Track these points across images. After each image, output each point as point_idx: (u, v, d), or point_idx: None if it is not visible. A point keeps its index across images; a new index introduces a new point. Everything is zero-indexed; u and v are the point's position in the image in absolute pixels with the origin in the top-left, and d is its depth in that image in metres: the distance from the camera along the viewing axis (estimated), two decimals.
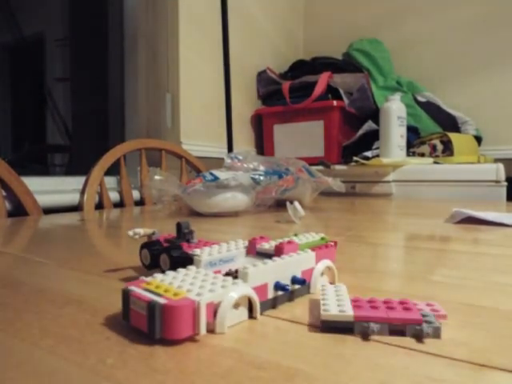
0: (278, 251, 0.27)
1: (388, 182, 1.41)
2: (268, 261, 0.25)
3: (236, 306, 0.21)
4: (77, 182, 1.08)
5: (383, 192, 1.41)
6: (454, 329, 0.21)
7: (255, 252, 0.30)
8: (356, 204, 1.04)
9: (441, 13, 1.87)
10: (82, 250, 0.43)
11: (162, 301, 0.19)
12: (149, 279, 0.22)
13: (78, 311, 0.24)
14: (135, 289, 0.21)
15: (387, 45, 1.86)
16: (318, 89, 1.65)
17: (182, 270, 0.24)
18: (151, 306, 0.19)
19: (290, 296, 0.26)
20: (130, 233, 0.32)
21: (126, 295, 0.20)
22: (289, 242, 0.28)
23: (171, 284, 0.21)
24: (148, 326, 0.19)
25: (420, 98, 1.66)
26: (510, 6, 1.73)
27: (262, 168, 0.84)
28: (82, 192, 1.00)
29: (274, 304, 0.24)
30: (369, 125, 1.63)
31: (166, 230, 0.57)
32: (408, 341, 0.20)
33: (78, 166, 1.84)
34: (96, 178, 1.03)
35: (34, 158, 2.35)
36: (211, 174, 0.78)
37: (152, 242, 0.30)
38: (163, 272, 0.27)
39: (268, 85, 1.84)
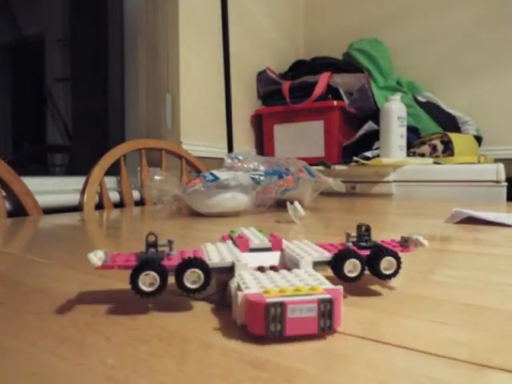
0: (276, 244, 0.29)
1: (388, 182, 1.41)
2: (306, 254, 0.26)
3: None
4: (77, 182, 1.08)
5: (383, 192, 1.41)
6: (454, 329, 0.21)
7: (248, 249, 0.29)
8: (356, 204, 1.04)
9: (441, 13, 1.87)
10: (82, 250, 0.43)
11: (326, 296, 0.20)
12: (259, 289, 0.21)
13: (78, 311, 0.24)
14: (282, 299, 0.19)
15: (387, 45, 1.86)
16: (318, 89, 1.65)
17: (256, 273, 0.24)
18: (324, 301, 0.19)
19: None
20: (93, 258, 0.23)
21: (283, 307, 0.19)
22: (271, 235, 0.30)
23: (287, 284, 0.21)
24: (321, 323, 0.20)
25: (420, 98, 1.66)
26: (510, 6, 1.73)
27: (262, 168, 0.84)
28: (82, 192, 1.00)
29: None
30: (369, 125, 1.63)
31: (164, 231, 0.57)
32: (408, 340, 0.20)
33: (78, 166, 1.84)
34: (96, 178, 1.03)
35: (34, 158, 2.35)
36: (211, 174, 0.78)
37: (144, 262, 0.23)
38: (188, 292, 0.23)
39: (268, 85, 1.84)
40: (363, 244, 0.27)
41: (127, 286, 0.29)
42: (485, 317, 0.23)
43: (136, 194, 1.17)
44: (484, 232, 0.54)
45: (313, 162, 1.38)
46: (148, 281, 0.22)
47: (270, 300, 0.19)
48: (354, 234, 0.28)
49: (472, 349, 0.19)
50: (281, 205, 0.82)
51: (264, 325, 0.19)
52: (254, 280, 0.22)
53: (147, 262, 0.23)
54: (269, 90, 1.83)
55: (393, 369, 0.17)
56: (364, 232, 0.27)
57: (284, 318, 0.19)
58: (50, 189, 1.09)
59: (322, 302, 0.19)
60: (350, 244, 0.28)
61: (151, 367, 0.17)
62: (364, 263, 0.25)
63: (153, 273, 0.22)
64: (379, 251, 0.26)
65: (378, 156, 1.49)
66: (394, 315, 0.23)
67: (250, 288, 0.21)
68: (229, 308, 0.23)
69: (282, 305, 0.19)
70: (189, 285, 0.23)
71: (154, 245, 0.25)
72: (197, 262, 0.23)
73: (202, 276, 0.23)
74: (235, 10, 1.61)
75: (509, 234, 0.53)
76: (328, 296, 0.20)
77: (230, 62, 1.41)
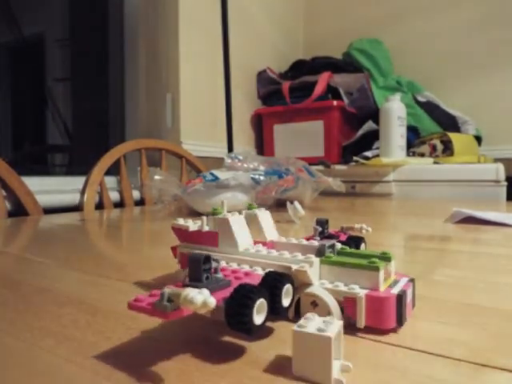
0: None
1: (388, 181, 1.41)
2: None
3: None
4: (77, 181, 1.08)
5: (383, 192, 1.41)
6: (454, 329, 0.21)
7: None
8: (356, 204, 1.04)
9: (441, 13, 1.87)
10: (82, 250, 0.43)
11: (410, 277, 0.23)
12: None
13: (77, 311, 0.24)
14: (399, 288, 0.21)
15: (387, 45, 1.86)
16: (318, 89, 1.65)
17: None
18: (412, 281, 0.23)
19: None
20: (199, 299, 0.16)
21: (405, 296, 0.21)
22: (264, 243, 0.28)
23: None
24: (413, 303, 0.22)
25: (420, 98, 1.66)
26: (510, 6, 1.73)
27: (262, 168, 0.84)
28: (82, 192, 1.00)
29: None
30: (369, 125, 1.63)
31: (164, 230, 0.57)
32: (408, 341, 0.20)
33: (78, 166, 1.84)
34: (96, 178, 1.03)
35: (34, 158, 2.35)
36: (211, 173, 0.78)
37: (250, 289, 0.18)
38: (282, 313, 0.20)
39: (268, 85, 1.84)
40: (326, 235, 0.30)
41: (127, 285, 0.29)
42: (485, 317, 0.23)
43: (136, 194, 1.17)
44: (484, 232, 0.54)
45: (313, 161, 1.38)
46: (260, 311, 0.18)
47: (396, 292, 0.20)
48: (320, 228, 0.30)
49: (472, 349, 0.19)
50: (281, 204, 0.82)
51: (395, 317, 0.20)
52: (330, 283, 0.22)
53: (251, 287, 0.18)
54: (269, 89, 1.83)
55: (393, 369, 0.17)
56: (325, 226, 0.31)
57: (404, 305, 0.20)
58: (50, 189, 1.09)
59: (412, 283, 0.22)
60: (318, 238, 0.29)
61: (152, 367, 0.17)
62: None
63: (262, 300, 0.18)
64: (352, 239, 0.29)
65: (377, 156, 1.49)
66: None
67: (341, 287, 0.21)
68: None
69: (404, 293, 0.20)
70: (285, 303, 0.20)
71: (208, 269, 0.19)
72: (284, 277, 0.20)
73: (291, 291, 0.20)
74: (235, 10, 1.61)
75: (509, 233, 0.53)
76: (410, 276, 0.23)
77: (230, 61, 1.41)
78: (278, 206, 0.84)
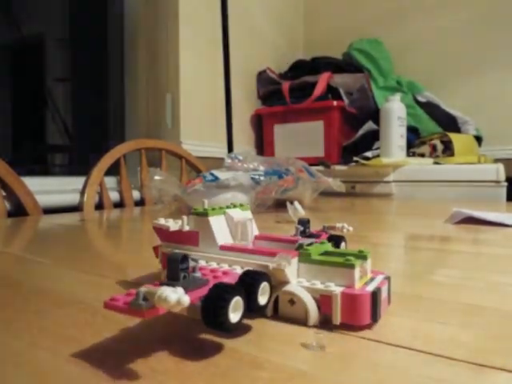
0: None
1: (388, 182, 1.41)
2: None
3: None
4: (77, 182, 1.08)
5: (383, 192, 1.41)
6: (454, 329, 0.21)
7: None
8: (356, 204, 1.04)
9: (441, 13, 1.87)
10: (81, 250, 0.43)
11: (386, 275, 0.24)
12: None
13: (78, 311, 0.24)
14: (374, 286, 0.22)
15: (387, 45, 1.86)
16: (318, 89, 1.65)
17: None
18: (388, 278, 0.23)
19: None
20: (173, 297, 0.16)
21: (379, 293, 0.21)
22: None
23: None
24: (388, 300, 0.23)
25: (420, 98, 1.66)
26: (510, 6, 1.73)
27: (261, 168, 0.84)
28: (82, 192, 1.00)
29: None
30: (369, 125, 1.63)
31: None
32: (408, 340, 0.20)
33: (78, 165, 1.85)
34: (96, 178, 1.03)
35: (34, 158, 2.35)
36: (211, 174, 0.78)
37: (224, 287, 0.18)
38: (259, 310, 0.20)
39: (268, 85, 1.84)
40: (307, 234, 0.31)
41: (126, 285, 0.29)
42: (485, 317, 0.23)
43: (136, 194, 1.17)
44: (484, 232, 0.54)
45: (313, 162, 1.38)
46: (236, 309, 0.18)
47: (371, 289, 0.21)
48: (301, 227, 0.31)
49: (472, 349, 0.19)
50: (281, 205, 0.82)
51: (370, 313, 0.20)
52: (308, 282, 0.22)
53: (226, 286, 0.18)
54: (269, 89, 1.82)
55: (393, 369, 0.17)
56: (307, 225, 0.31)
57: (379, 302, 0.21)
58: (50, 189, 1.09)
59: (388, 280, 0.23)
60: (299, 236, 0.30)
61: (151, 367, 0.17)
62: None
63: (238, 298, 0.18)
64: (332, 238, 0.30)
65: (377, 156, 1.49)
66: (394, 315, 0.23)
67: (318, 285, 0.22)
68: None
69: (379, 290, 0.21)
70: (262, 301, 0.20)
71: (186, 269, 0.19)
72: (261, 275, 0.20)
73: (268, 289, 0.20)
74: (235, 10, 1.60)
75: (509, 233, 0.53)
76: (386, 275, 0.24)
77: (230, 61, 1.41)
78: (278, 206, 0.84)
